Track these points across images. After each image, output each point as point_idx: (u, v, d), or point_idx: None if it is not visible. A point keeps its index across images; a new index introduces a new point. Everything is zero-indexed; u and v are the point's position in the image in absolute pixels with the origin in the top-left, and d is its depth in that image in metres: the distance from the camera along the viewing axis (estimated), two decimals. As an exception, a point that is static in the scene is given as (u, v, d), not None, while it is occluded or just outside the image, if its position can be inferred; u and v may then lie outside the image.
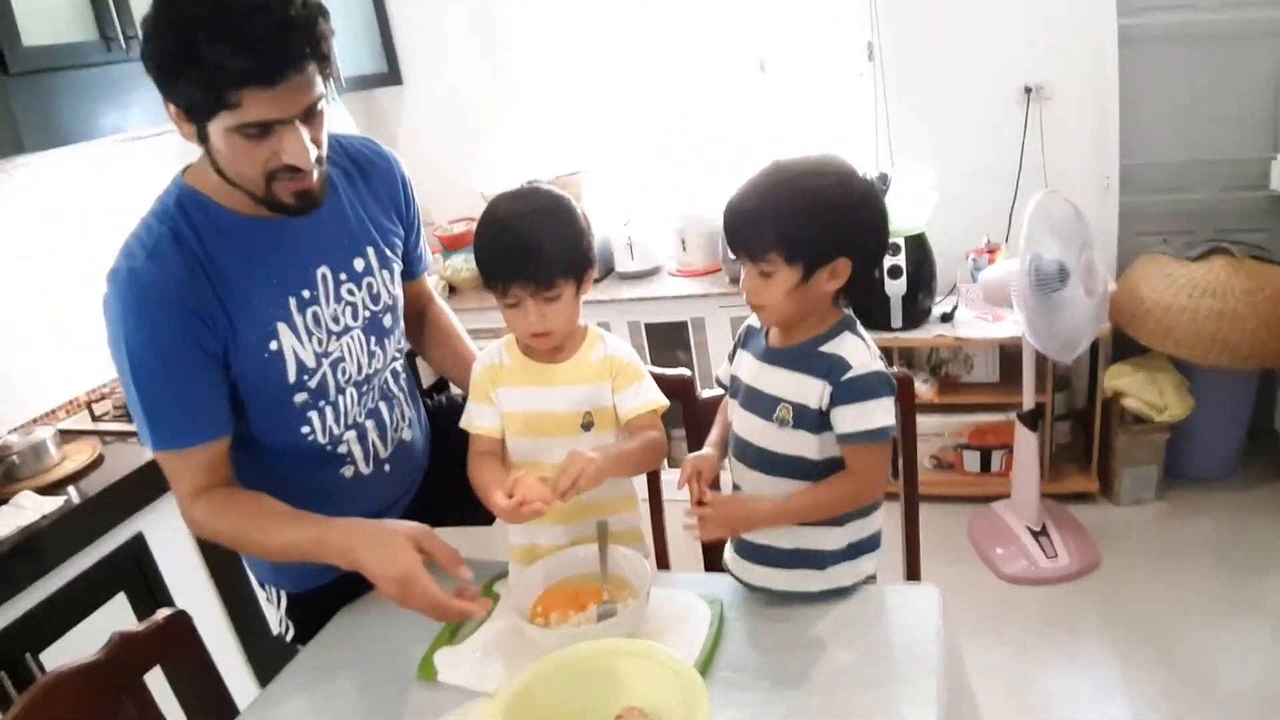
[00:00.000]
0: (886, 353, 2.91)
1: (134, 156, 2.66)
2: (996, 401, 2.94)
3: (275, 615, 1.59)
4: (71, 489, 2.02)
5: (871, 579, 1.38)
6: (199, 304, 1.21)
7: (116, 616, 2.00)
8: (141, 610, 2.01)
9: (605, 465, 1.27)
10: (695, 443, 1.71)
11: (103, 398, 2.49)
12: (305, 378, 1.31)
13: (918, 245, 2.84)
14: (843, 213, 1.21)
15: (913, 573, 1.68)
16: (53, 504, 1.92)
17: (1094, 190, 2.93)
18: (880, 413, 1.22)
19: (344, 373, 1.36)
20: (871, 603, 1.33)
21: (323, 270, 1.33)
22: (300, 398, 1.33)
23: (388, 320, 1.43)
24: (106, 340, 1.24)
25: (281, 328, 1.28)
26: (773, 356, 1.31)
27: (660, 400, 1.41)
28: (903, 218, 2.79)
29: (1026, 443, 2.68)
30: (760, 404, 1.31)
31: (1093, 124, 2.92)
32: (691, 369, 2.15)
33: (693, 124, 3.34)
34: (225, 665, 1.41)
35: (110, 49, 2.16)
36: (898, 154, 3.06)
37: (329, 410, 1.37)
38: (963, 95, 3.00)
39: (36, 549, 1.84)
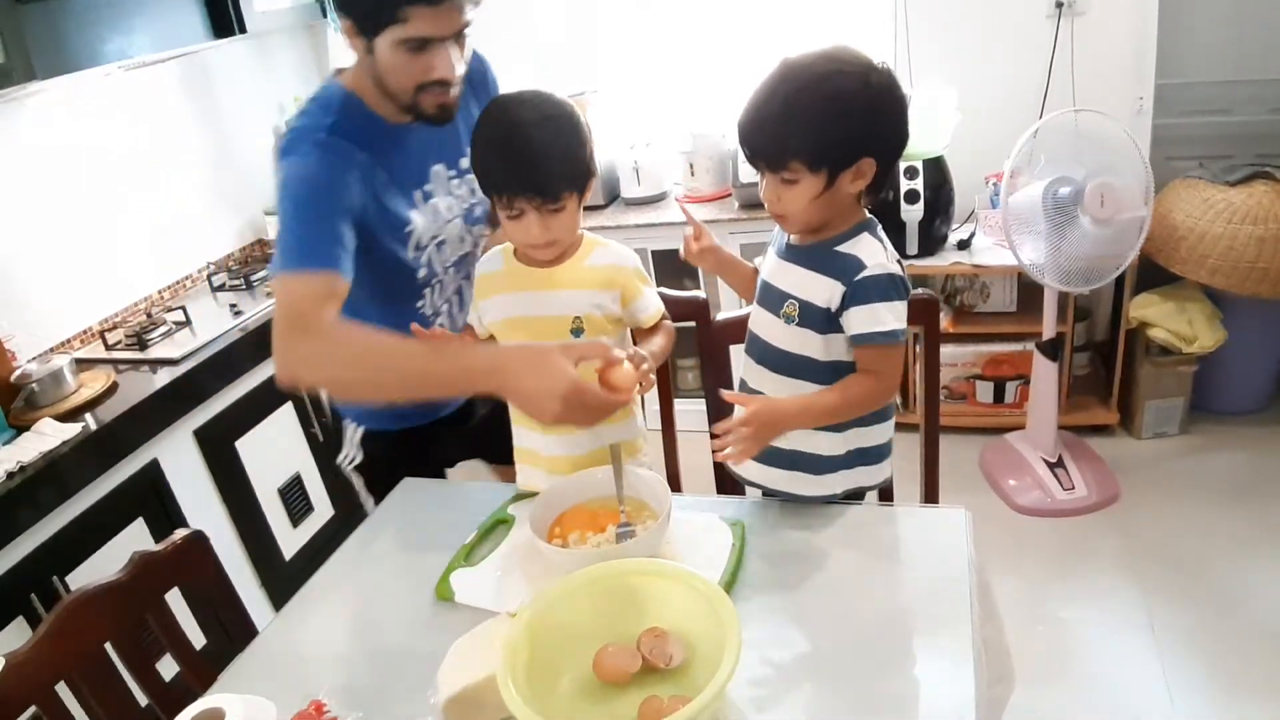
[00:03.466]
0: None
1: (139, 85, 2.65)
2: (1012, 331, 2.89)
3: (348, 445, 1.69)
4: (89, 416, 2.04)
5: (876, 491, 1.41)
6: (358, 176, 1.34)
7: (136, 541, 2.04)
8: (160, 535, 2.04)
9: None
10: (709, 368, 1.70)
11: (115, 327, 2.50)
12: (419, 254, 1.47)
13: (936, 169, 2.76)
14: (865, 112, 1.16)
15: (931, 500, 1.67)
16: (71, 430, 1.95)
17: (1126, 112, 2.82)
18: (892, 315, 1.21)
19: (446, 256, 1.52)
20: (899, 525, 1.33)
21: (437, 167, 1.48)
22: (422, 274, 1.49)
23: (479, 210, 1.56)
24: (277, 187, 1.31)
25: (413, 214, 1.43)
26: (790, 254, 1.31)
27: (659, 304, 1.46)
28: (921, 140, 2.71)
29: (1045, 372, 2.64)
30: (771, 299, 1.32)
31: (1128, 41, 2.80)
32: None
33: (702, 43, 3.23)
34: (239, 588, 1.43)
35: (112, -30, 2.11)
36: (917, 73, 2.95)
37: (436, 287, 1.53)
38: (988, 9, 2.87)
39: (58, 475, 1.88)
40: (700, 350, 1.69)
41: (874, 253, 1.22)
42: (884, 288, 1.21)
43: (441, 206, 1.48)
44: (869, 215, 1.28)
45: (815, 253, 1.26)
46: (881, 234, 1.26)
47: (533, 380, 1.14)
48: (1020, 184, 2.41)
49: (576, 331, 1.38)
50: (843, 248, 1.23)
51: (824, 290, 1.24)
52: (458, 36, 1.30)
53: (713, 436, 1.25)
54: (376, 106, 1.38)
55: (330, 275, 1.25)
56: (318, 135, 1.32)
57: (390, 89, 1.33)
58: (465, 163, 1.49)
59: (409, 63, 1.28)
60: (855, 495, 1.39)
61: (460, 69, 1.33)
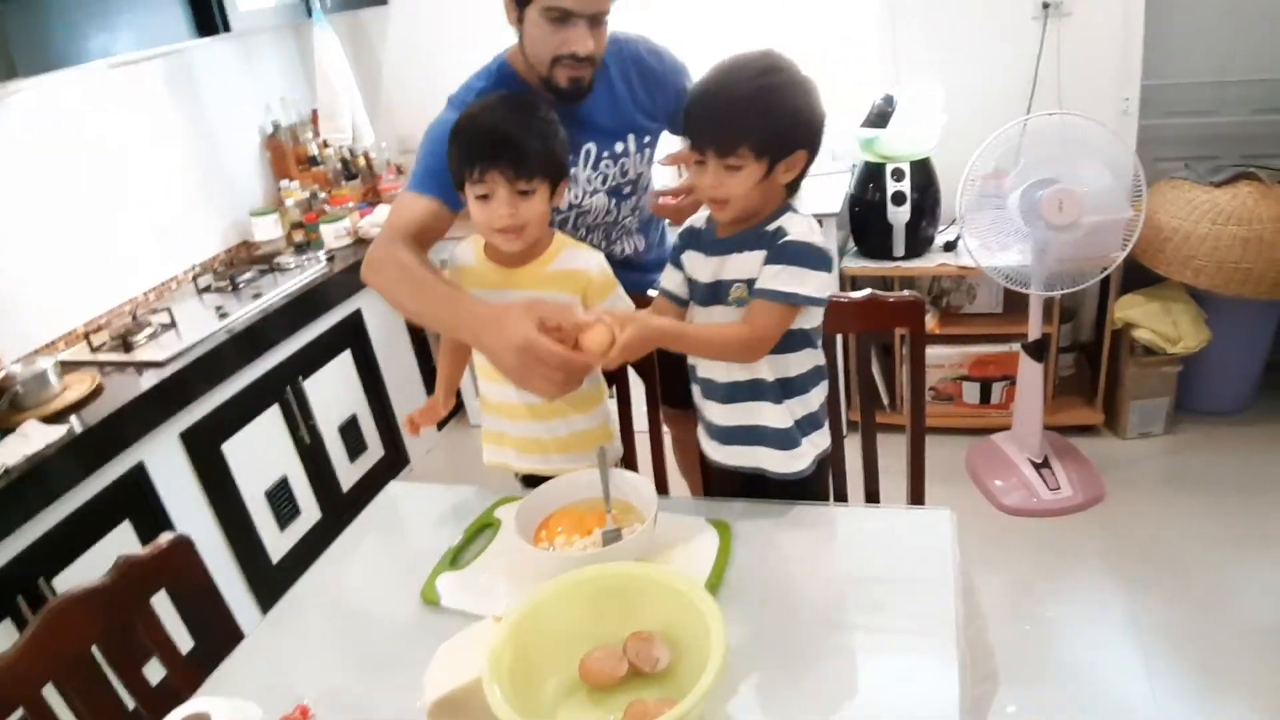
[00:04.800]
0: (887, 282, 2.88)
1: (124, 83, 2.64)
2: (999, 332, 2.90)
3: None
4: (73, 418, 2.03)
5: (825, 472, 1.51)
6: None
7: (123, 543, 2.03)
8: (146, 538, 2.04)
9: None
10: (666, 364, 1.69)
11: (100, 329, 2.48)
12: (556, 215, 1.60)
13: (923, 170, 2.77)
14: (804, 108, 1.28)
15: (917, 501, 1.68)
16: (56, 433, 1.94)
17: (1112, 113, 2.84)
18: (797, 280, 1.29)
19: (586, 220, 1.71)
20: (884, 526, 1.34)
21: (588, 146, 1.63)
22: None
23: (627, 189, 1.73)
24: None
25: None
26: (726, 245, 1.36)
27: (632, 307, 1.48)
28: (908, 141, 2.72)
29: (1031, 373, 2.65)
30: (713, 292, 1.38)
31: (1114, 42, 2.81)
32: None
33: (691, 47, 3.22)
34: (227, 591, 1.42)
35: (96, -33, 2.10)
36: (904, 74, 2.97)
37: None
38: (975, 12, 2.88)
39: (43, 477, 1.87)
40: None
41: (797, 224, 1.31)
42: (796, 253, 1.29)
43: (581, 178, 1.64)
44: (789, 200, 1.37)
45: (747, 236, 1.34)
46: (805, 211, 1.35)
47: (492, 335, 1.25)
48: (1008, 185, 2.42)
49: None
50: (770, 226, 1.32)
51: (756, 264, 1.32)
52: (595, 19, 1.47)
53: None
54: (531, 79, 1.56)
55: (436, 203, 1.48)
56: (467, 96, 1.55)
57: (531, 59, 1.52)
58: (620, 147, 1.67)
59: (549, 34, 1.46)
60: (821, 465, 1.46)
61: (594, 48, 1.48)
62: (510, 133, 1.32)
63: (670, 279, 1.48)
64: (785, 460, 1.41)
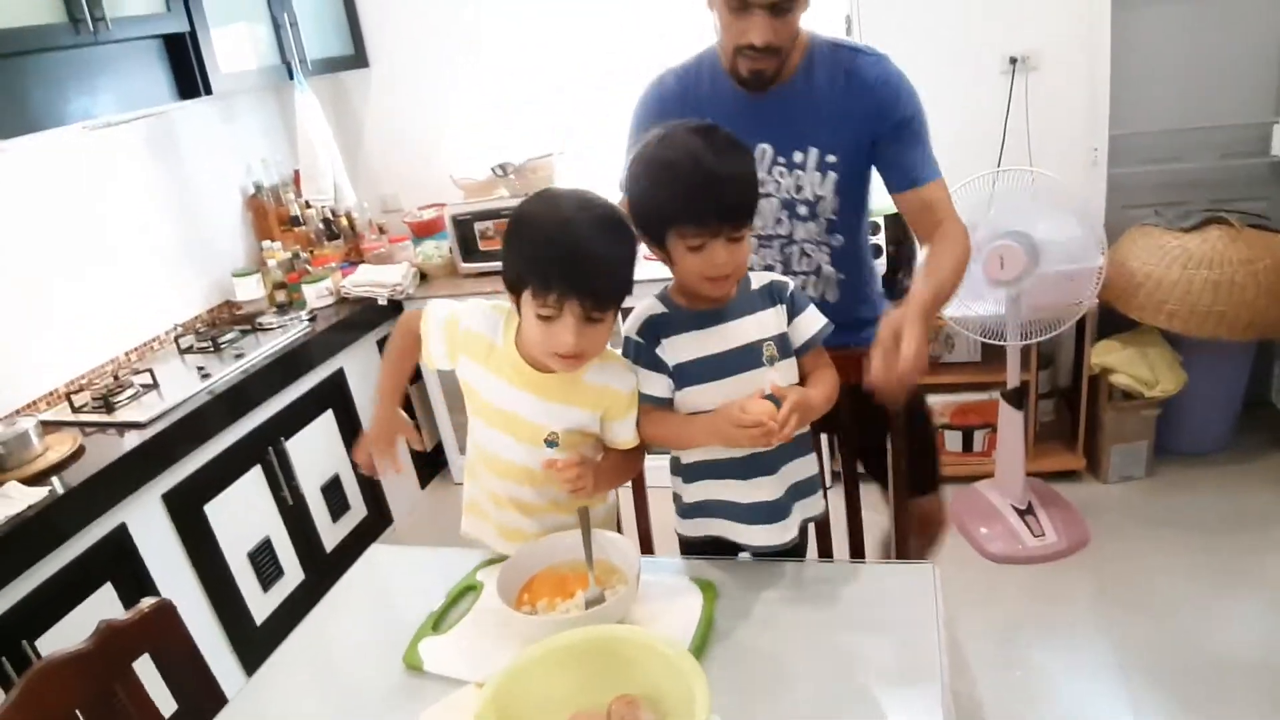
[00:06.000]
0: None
1: (105, 144, 2.65)
2: (978, 381, 2.94)
3: None
4: (55, 480, 2.02)
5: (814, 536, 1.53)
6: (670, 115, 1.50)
7: (106, 604, 2.01)
8: (129, 599, 2.03)
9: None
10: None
11: (81, 389, 2.47)
12: None
13: (898, 224, 2.82)
14: None
15: (900, 552, 1.68)
16: (38, 494, 1.93)
17: (1081, 163, 2.91)
18: (819, 314, 1.38)
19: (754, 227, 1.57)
20: (868, 582, 1.34)
21: (763, 146, 1.60)
22: None
23: (803, 209, 1.64)
24: None
25: None
26: (721, 315, 1.35)
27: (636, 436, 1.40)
28: (883, 196, 2.76)
29: (1011, 421, 2.67)
30: (739, 360, 1.33)
31: (1081, 94, 2.89)
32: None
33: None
34: (211, 653, 1.41)
35: (79, 31, 2.15)
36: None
37: None
38: (944, 69, 2.95)
39: (25, 538, 1.85)
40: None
41: (775, 275, 1.39)
42: (806, 298, 1.40)
43: None
44: None
45: (745, 299, 1.36)
46: None
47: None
48: (980, 238, 2.46)
49: (551, 443, 1.34)
50: (755, 285, 1.37)
51: (780, 318, 1.36)
52: (775, 8, 1.45)
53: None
54: (728, 66, 1.58)
55: None
56: (663, 71, 1.69)
57: (719, 46, 1.57)
58: (799, 157, 1.60)
59: (731, 23, 1.49)
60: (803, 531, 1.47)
61: (772, 39, 1.47)
62: (600, 257, 1.19)
63: (657, 385, 1.36)
64: (813, 505, 1.44)
